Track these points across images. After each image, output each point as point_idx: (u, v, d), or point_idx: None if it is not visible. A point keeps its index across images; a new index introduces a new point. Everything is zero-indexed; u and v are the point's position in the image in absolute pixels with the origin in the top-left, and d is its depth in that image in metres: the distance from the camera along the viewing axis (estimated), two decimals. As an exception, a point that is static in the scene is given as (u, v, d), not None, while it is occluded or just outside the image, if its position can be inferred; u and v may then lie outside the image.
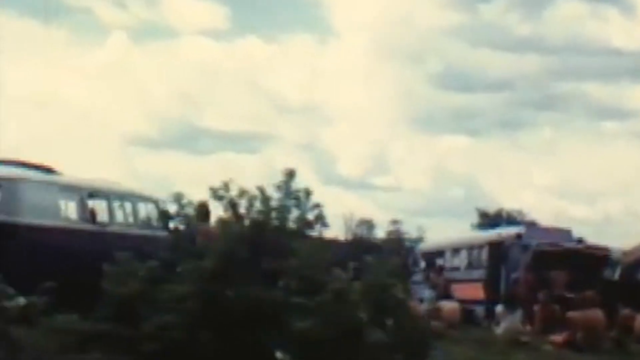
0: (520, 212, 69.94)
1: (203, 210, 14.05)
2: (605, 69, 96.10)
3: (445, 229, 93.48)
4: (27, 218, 13.56)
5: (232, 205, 10.79)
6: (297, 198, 10.92)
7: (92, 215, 14.82)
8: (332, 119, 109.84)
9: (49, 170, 14.64)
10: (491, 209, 72.45)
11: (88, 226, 14.58)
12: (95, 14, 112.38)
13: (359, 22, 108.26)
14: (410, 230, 75.11)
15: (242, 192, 10.83)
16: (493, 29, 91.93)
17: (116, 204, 15.28)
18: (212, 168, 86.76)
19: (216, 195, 10.84)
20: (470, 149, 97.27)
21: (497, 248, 25.63)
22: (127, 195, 15.69)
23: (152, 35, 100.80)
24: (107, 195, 15.19)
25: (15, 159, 14.71)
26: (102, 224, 14.83)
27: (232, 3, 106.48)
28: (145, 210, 15.60)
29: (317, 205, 11.09)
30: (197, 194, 12.14)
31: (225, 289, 10.16)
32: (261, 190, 10.83)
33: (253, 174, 78.37)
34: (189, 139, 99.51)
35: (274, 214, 10.85)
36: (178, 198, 11.10)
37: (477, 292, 25.24)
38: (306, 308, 10.06)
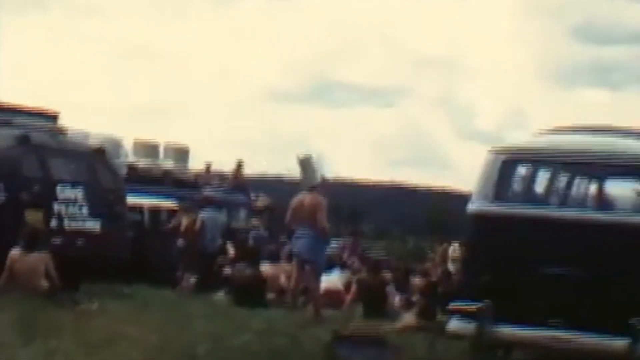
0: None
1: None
2: None
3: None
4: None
5: None
6: None
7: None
8: (470, 74, 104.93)
9: None
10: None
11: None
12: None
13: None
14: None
15: None
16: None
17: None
18: (347, 122, 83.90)
19: None
20: (610, 103, 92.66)
21: None
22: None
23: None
24: None
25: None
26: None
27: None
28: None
29: None
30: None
31: None
32: None
33: (387, 128, 75.13)
34: (326, 92, 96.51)
35: None
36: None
37: None
38: None
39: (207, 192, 22.06)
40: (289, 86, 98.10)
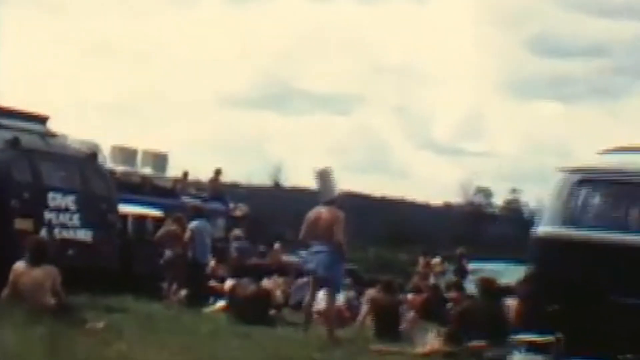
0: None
1: None
2: None
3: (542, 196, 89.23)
4: None
5: None
6: None
7: None
8: (427, 82, 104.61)
9: None
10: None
11: None
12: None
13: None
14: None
15: None
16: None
17: None
18: (304, 129, 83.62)
19: None
20: (564, 116, 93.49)
21: None
22: None
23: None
24: None
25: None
26: None
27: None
28: None
29: None
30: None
31: None
32: None
33: (344, 136, 75.21)
34: (283, 99, 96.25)
35: None
36: None
37: None
38: None
39: (191, 200, 21.27)
40: (245, 92, 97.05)
